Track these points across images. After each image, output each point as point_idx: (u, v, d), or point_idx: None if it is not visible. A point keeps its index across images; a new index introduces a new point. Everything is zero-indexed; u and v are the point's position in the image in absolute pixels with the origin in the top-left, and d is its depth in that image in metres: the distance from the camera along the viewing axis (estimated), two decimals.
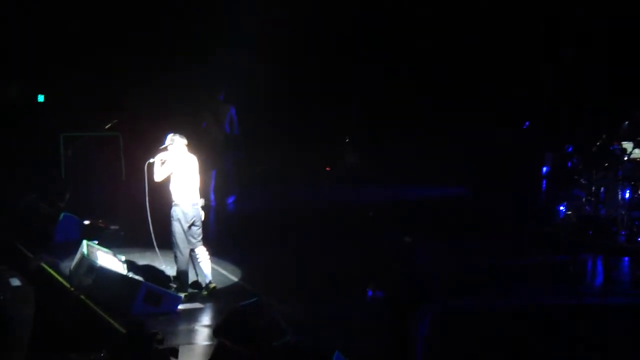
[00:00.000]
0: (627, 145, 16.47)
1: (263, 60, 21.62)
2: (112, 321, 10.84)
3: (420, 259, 8.37)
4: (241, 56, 21.14)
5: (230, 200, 19.92)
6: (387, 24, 22.51)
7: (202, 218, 12.57)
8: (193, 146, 12.70)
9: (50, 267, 13.13)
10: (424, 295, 8.26)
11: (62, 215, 15.72)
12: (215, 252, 13.38)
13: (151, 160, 12.43)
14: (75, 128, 19.90)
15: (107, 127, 18.98)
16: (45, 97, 21.83)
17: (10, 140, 19.99)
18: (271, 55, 21.74)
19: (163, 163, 12.37)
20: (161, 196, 12.72)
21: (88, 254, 12.16)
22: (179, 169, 12.38)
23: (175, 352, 8.98)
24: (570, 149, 17.11)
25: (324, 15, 22.49)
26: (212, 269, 12.81)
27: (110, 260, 12.52)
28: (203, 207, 12.60)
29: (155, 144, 12.62)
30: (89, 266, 11.91)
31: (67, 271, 12.68)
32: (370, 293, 8.52)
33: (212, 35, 21.43)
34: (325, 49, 22.59)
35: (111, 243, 14.20)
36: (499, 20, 21.67)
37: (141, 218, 12.73)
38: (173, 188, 12.40)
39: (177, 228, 12.35)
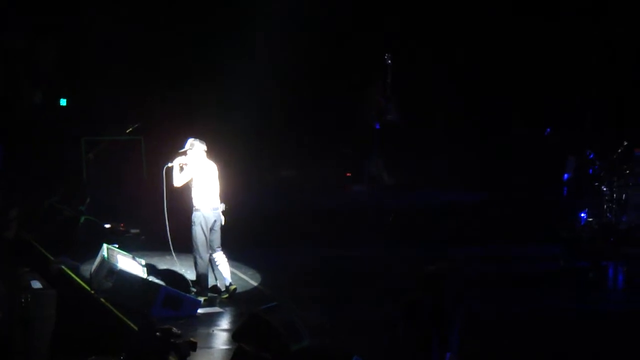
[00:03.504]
0: None
1: (284, 61, 21.67)
2: (131, 324, 10.86)
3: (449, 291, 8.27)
4: (263, 59, 21.24)
5: None
6: (418, 26, 22.47)
7: (223, 223, 12.59)
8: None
9: (70, 270, 13.19)
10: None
11: (83, 218, 15.78)
12: (235, 257, 13.41)
13: (169, 165, 12.47)
14: (97, 132, 19.96)
15: (128, 131, 18.99)
16: (67, 101, 21.91)
17: (32, 144, 20.08)
18: (293, 56, 21.79)
19: (182, 168, 12.40)
20: (181, 200, 12.75)
21: (108, 258, 12.19)
22: (199, 175, 12.39)
23: (193, 345, 9.00)
24: (591, 156, 17.04)
25: (351, 15, 22.50)
26: (232, 273, 12.84)
27: (130, 264, 12.55)
28: (223, 212, 12.61)
29: (177, 148, 12.65)
30: (109, 269, 11.93)
31: (87, 274, 12.72)
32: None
33: (233, 39, 21.49)
34: (355, 47, 22.58)
35: (131, 246, 14.25)
36: (526, 25, 21.61)
37: (162, 222, 12.76)
38: (193, 193, 12.43)
39: (198, 232, 12.37)
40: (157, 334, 8.87)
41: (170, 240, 12.68)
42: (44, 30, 21.52)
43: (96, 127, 20.25)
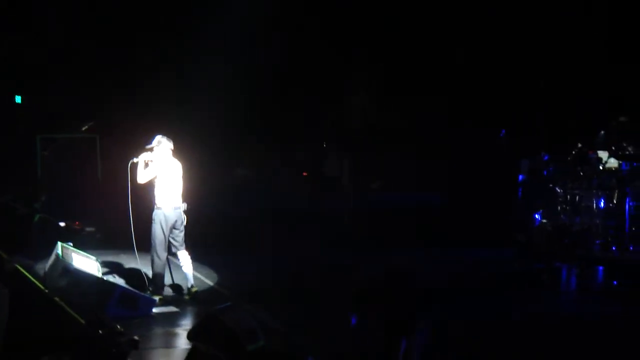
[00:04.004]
0: (603, 154, 16.56)
1: (247, 61, 21.67)
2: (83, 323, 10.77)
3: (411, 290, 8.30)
4: (223, 59, 21.19)
5: None
6: (370, 29, 22.53)
7: (185, 222, 12.51)
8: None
9: (25, 269, 13.02)
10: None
11: (37, 216, 15.65)
12: (194, 257, 13.37)
13: (135, 160, 12.34)
14: (52, 130, 19.80)
15: (84, 129, 18.89)
16: (22, 99, 21.70)
17: None
18: (255, 57, 21.79)
19: (147, 164, 12.29)
20: (142, 198, 12.66)
21: (63, 256, 12.10)
22: (163, 172, 12.31)
23: (135, 343, 8.96)
24: (546, 158, 17.18)
25: (314, 16, 22.51)
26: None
27: (85, 262, 12.47)
28: (185, 211, 12.54)
29: (133, 146, 12.56)
30: (63, 268, 11.85)
31: (41, 273, 12.61)
32: (354, 320, 8.44)
33: (193, 40, 21.41)
34: (313, 50, 22.61)
35: (87, 245, 14.15)
36: (479, 28, 21.73)
37: (117, 220, 12.69)
38: (156, 191, 12.33)
39: (157, 231, 12.29)
40: (100, 331, 8.83)
41: (134, 236, 12.54)
42: None
43: (51, 125, 20.09)
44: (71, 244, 13.03)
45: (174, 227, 12.38)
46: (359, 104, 22.86)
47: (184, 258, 12.52)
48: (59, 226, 15.75)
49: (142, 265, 13.13)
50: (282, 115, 22.88)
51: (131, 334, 9.30)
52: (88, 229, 16.28)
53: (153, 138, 12.42)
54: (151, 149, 12.35)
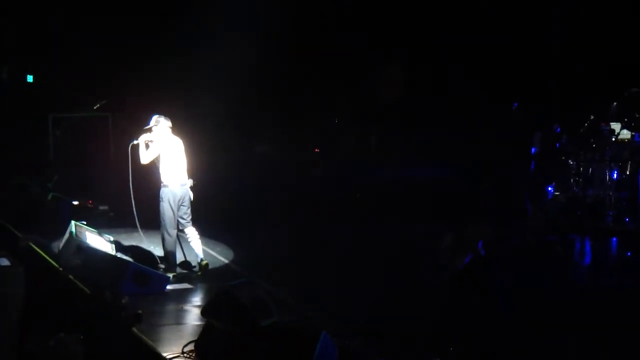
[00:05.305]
0: (615, 126, 16.52)
1: (254, 39, 21.59)
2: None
3: None
4: (231, 37, 21.12)
5: None
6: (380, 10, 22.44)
7: (191, 198, 12.59)
8: None
9: (39, 247, 13.12)
10: None
11: (50, 195, 15.71)
12: (206, 234, 13.42)
13: (135, 142, 12.42)
14: (64, 109, 19.81)
15: (96, 107, 18.91)
16: (33, 78, 21.72)
17: None
18: (262, 35, 21.71)
19: (148, 145, 12.36)
20: (149, 177, 12.71)
21: (76, 234, 12.14)
22: (165, 151, 12.36)
23: (138, 317, 9.01)
24: (558, 130, 17.13)
25: None
26: (203, 250, 12.84)
27: (98, 241, 12.51)
28: (191, 188, 12.61)
29: (144, 125, 12.60)
30: (77, 246, 11.88)
31: (55, 251, 12.66)
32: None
33: (206, 15, 21.35)
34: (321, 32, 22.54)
35: (100, 223, 14.19)
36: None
37: (129, 199, 12.73)
38: (161, 170, 12.40)
39: (166, 209, 12.35)
40: (104, 307, 8.89)
41: (136, 217, 12.65)
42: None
43: (63, 104, 20.09)
44: (84, 223, 13.07)
45: (181, 203, 12.44)
46: (386, 78, 22.75)
47: (192, 233, 12.62)
48: (72, 205, 15.80)
49: (152, 243, 13.19)
50: (297, 90, 22.80)
51: (135, 308, 9.38)
52: (101, 207, 16.31)
53: (151, 118, 12.48)
54: (150, 130, 12.41)
